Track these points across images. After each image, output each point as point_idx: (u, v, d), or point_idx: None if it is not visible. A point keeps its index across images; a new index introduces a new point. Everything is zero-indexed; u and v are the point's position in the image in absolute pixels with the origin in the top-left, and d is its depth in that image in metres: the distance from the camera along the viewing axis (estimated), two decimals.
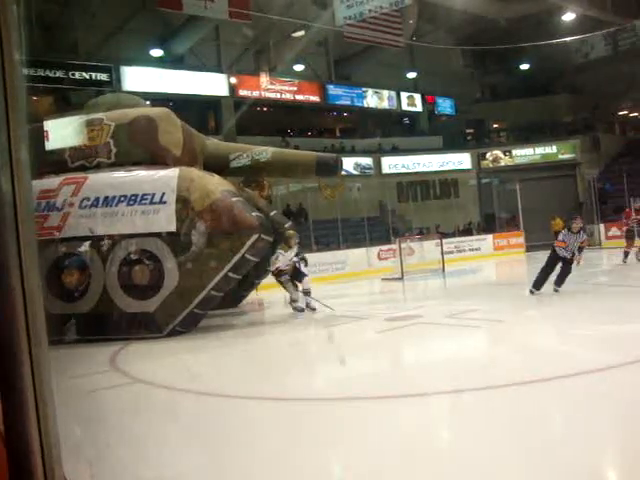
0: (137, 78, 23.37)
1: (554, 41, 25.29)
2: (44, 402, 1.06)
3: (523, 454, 3.41)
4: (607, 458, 3.48)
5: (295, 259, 10.91)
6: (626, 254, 15.51)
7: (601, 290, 11.54)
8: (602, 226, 24.36)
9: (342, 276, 19.36)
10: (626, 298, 9.94)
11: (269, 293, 15.16)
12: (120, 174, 9.59)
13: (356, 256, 20.46)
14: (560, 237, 10.80)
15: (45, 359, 1.07)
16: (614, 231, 24.21)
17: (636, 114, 34.69)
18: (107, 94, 17.10)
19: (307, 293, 10.93)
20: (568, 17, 25.25)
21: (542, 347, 6.69)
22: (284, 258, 10.66)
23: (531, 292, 10.64)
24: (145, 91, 21.36)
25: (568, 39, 26.28)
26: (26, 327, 1.05)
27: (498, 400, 4.58)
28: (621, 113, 34.61)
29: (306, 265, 11.29)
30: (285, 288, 11.05)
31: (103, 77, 22.68)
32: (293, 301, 11.01)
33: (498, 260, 22.19)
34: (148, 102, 13.02)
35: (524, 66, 32.08)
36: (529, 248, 23.83)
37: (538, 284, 10.63)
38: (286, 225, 11.75)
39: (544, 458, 3.30)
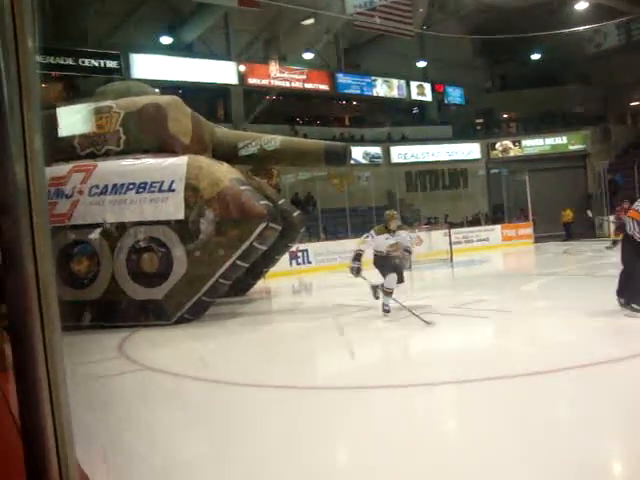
0: (146, 65, 23.34)
1: (566, 30, 25.07)
2: (57, 390, 1.07)
3: (526, 445, 3.42)
4: (611, 451, 3.48)
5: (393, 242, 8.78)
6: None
7: (611, 282, 11.47)
8: (612, 217, 24.22)
9: (350, 265, 19.33)
10: None
11: (277, 282, 15.23)
12: (129, 162, 9.62)
13: (377, 239, 20.40)
14: None
15: (59, 347, 1.09)
16: None
17: None
18: (116, 82, 17.11)
19: (388, 293, 8.65)
20: (581, 6, 24.98)
21: (549, 338, 6.69)
22: (373, 241, 8.81)
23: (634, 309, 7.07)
24: (154, 79, 21.34)
25: (581, 28, 26.07)
26: (40, 314, 1.06)
27: (504, 391, 4.59)
28: (633, 104, 34.28)
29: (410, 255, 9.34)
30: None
31: (112, 64, 22.66)
32: (380, 287, 8.78)
33: (506, 251, 22.13)
34: (157, 90, 13.04)
35: (535, 56, 31.80)
36: (537, 239, 23.78)
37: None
38: (294, 214, 11.75)
39: (548, 450, 3.30)
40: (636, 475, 3.04)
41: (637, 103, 33.78)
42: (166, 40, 24.55)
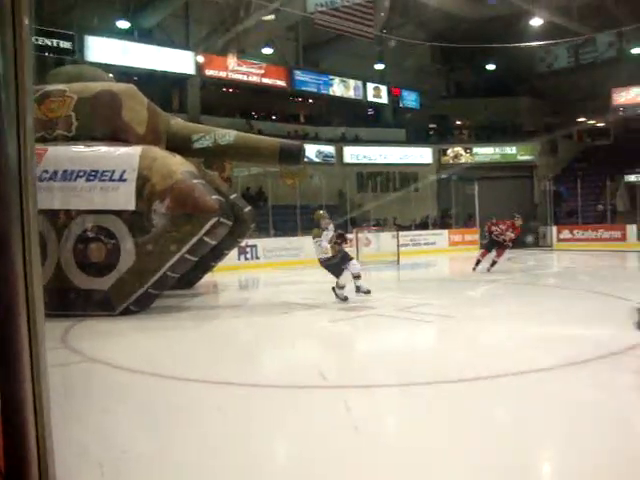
0: (101, 49, 22.86)
1: (522, 44, 25.75)
2: (39, 378, 1.09)
3: (461, 447, 3.56)
4: (542, 454, 3.65)
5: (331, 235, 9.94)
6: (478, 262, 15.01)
7: (550, 291, 11.89)
8: (554, 228, 25.00)
9: (298, 263, 19.44)
10: (573, 300, 10.29)
11: (224, 276, 15.20)
12: (80, 148, 9.46)
13: (313, 243, 20.53)
14: None
15: (43, 332, 1.10)
16: (565, 234, 24.96)
17: (593, 122, 35.57)
18: (69, 65, 16.74)
19: (357, 277, 9.99)
20: (536, 22, 25.67)
21: (488, 345, 6.90)
22: (326, 242, 9.87)
23: None
24: (109, 63, 20.98)
25: (534, 44, 26.80)
26: (26, 300, 1.07)
27: (443, 395, 4.73)
28: (579, 120, 35.48)
29: (345, 242, 10.45)
30: (332, 273, 10.08)
31: (66, 45, 21.99)
32: (340, 287, 9.97)
33: (452, 256, 22.58)
34: (111, 75, 12.82)
35: (490, 66, 32.51)
36: (483, 245, 24.31)
37: None
38: (245, 210, 11.75)
39: (482, 454, 3.45)
40: (566, 476, 3.21)
41: (583, 119, 34.95)
42: (123, 24, 24.04)
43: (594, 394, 4.63)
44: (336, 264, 9.89)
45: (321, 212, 10.30)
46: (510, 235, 14.10)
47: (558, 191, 28.52)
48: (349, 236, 18.33)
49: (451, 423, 4.05)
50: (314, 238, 10.09)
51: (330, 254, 9.88)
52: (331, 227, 10.01)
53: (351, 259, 10.10)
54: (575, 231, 25.13)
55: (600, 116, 33.93)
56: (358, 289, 10.04)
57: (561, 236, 25.01)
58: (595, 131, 35.35)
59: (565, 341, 6.63)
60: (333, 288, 10.02)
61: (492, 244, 14.50)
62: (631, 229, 22.70)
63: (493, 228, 14.63)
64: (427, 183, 29.86)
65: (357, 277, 9.97)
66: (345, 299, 9.88)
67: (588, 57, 30.96)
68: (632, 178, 28.59)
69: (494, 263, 14.40)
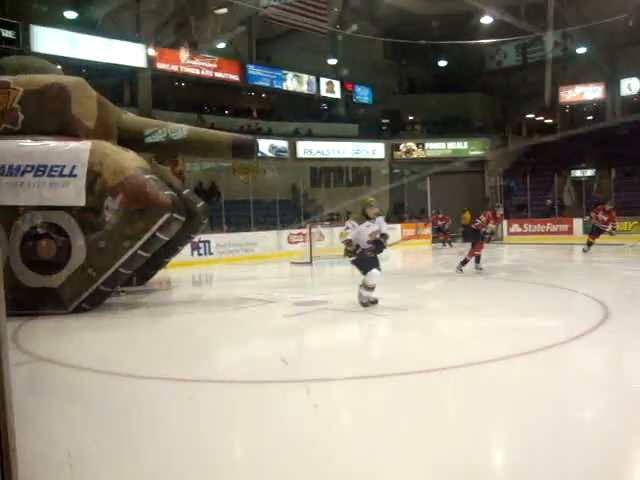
0: (47, 39, 22.11)
1: (472, 42, 26.18)
2: (1, 377, 1.08)
3: (416, 440, 3.63)
4: (496, 446, 3.75)
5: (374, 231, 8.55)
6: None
7: (501, 284, 12.15)
8: (505, 222, 25.55)
9: (251, 258, 19.44)
10: (523, 292, 10.57)
11: (177, 272, 15.06)
12: (27, 143, 9.21)
13: (266, 239, 20.58)
14: None
15: (4, 330, 1.09)
16: (515, 227, 25.55)
17: (541, 118, 36.50)
18: (13, 56, 16.27)
19: (370, 289, 8.60)
20: (486, 20, 26.17)
21: (441, 337, 7.05)
22: (355, 231, 8.49)
23: None
24: (56, 54, 20.42)
25: (485, 41, 27.28)
26: None
27: (398, 387, 4.81)
28: (529, 116, 36.36)
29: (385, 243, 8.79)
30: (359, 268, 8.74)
31: (8, 34, 21.02)
32: (368, 288, 8.59)
33: (405, 249, 22.82)
34: (59, 67, 12.52)
35: (442, 62, 32.92)
36: (435, 239, 24.70)
37: None
38: (198, 205, 11.66)
39: (436, 446, 3.53)
40: (521, 468, 3.30)
41: (532, 116, 35.82)
42: (71, 15, 23.39)
43: (543, 382, 4.78)
44: (367, 260, 8.58)
45: (371, 199, 8.83)
46: (492, 227, 12.90)
47: (508, 186, 29.15)
48: (303, 231, 18.33)
49: (408, 414, 4.12)
50: (347, 223, 8.79)
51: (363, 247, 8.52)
52: (379, 220, 8.73)
53: (375, 267, 8.57)
54: (525, 225, 25.73)
55: (547, 113, 34.86)
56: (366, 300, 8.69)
57: (511, 230, 25.60)
58: (543, 127, 36.30)
59: (515, 332, 6.81)
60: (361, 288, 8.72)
61: (471, 237, 13.27)
62: (577, 223, 23.38)
63: (439, 222, 14.99)
64: (380, 178, 30.17)
65: (369, 289, 8.59)
66: (366, 305, 8.60)
67: (535, 56, 31.71)
68: (578, 173, 29.48)
69: (465, 261, 13.02)
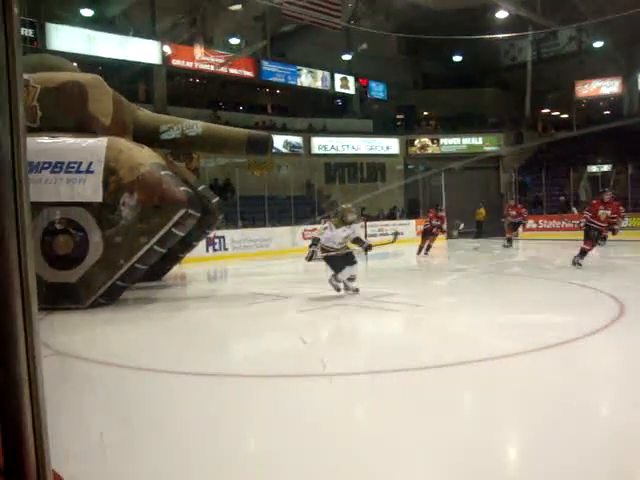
0: (64, 37, 22.45)
1: (487, 37, 26.04)
2: (35, 370, 1.10)
3: (431, 435, 3.66)
4: (509, 442, 3.77)
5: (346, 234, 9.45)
6: (420, 249, 17.44)
7: (516, 280, 12.12)
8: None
9: (266, 253, 19.52)
10: (537, 288, 10.53)
11: (192, 268, 15.16)
12: (45, 140, 9.31)
13: (281, 234, 20.65)
14: None
15: (37, 323, 1.11)
16: (530, 223, 25.39)
17: (557, 113, 36.22)
18: (32, 54, 16.42)
19: (352, 279, 9.63)
20: (501, 15, 26.04)
21: (455, 333, 7.03)
22: (330, 234, 9.40)
23: None
24: (72, 52, 20.65)
25: (500, 36, 27.13)
26: (21, 290, 1.08)
27: (413, 382, 4.83)
28: (544, 111, 36.09)
29: (366, 250, 9.85)
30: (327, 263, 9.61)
31: (27, 32, 21.42)
32: (335, 278, 9.50)
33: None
34: (75, 64, 12.63)
35: (457, 58, 32.82)
36: (450, 235, 24.60)
37: None
38: (213, 201, 11.73)
39: (450, 442, 3.55)
40: (535, 463, 3.32)
41: (547, 111, 35.56)
42: (87, 12, 23.66)
43: (556, 378, 4.78)
44: (337, 258, 9.46)
45: (349, 206, 9.68)
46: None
47: (523, 181, 29.00)
48: (317, 226, 18.41)
49: (422, 408, 4.15)
50: (326, 223, 9.73)
51: (335, 247, 9.41)
52: (354, 227, 9.59)
53: (354, 263, 9.58)
54: (540, 221, 25.58)
55: (563, 108, 34.59)
56: (347, 287, 9.66)
57: (526, 226, 25.45)
58: (558, 122, 36.02)
59: (531, 328, 6.80)
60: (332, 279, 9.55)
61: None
62: None
63: (433, 221, 15.20)
64: (394, 173, 30.11)
65: (351, 279, 9.62)
66: (338, 290, 9.51)
67: (551, 50, 31.51)
68: (594, 169, 29.24)
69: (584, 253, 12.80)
